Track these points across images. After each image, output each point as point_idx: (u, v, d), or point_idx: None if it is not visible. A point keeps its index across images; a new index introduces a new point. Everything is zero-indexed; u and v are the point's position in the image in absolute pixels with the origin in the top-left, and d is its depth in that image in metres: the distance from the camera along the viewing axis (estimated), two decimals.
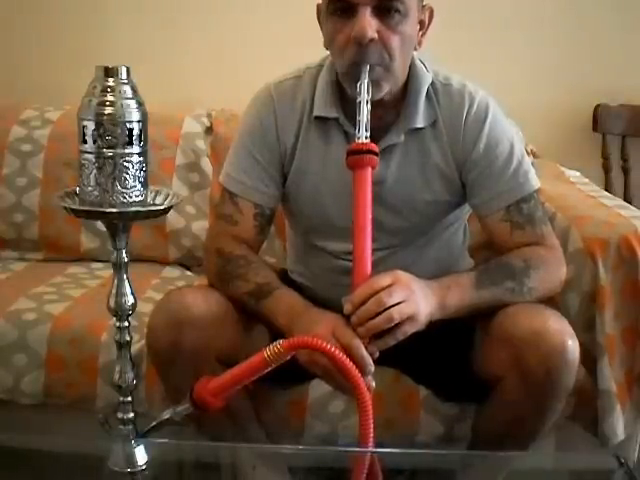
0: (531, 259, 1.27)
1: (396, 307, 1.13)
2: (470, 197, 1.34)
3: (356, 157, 1.20)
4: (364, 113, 1.21)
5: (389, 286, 1.14)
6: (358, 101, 1.21)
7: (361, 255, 1.18)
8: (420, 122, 1.31)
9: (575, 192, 1.76)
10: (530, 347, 1.20)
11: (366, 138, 1.20)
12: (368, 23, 1.19)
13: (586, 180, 1.89)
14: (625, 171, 2.17)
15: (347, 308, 1.15)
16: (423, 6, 1.28)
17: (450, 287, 1.22)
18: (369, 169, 1.20)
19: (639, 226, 1.43)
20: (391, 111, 1.31)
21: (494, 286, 1.24)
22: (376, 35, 1.20)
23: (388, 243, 1.35)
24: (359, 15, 1.20)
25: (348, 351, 1.12)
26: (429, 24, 1.30)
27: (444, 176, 1.34)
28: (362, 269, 1.18)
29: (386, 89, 1.26)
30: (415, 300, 1.15)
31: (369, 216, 1.18)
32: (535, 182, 1.33)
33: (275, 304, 1.26)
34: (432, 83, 1.33)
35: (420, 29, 1.29)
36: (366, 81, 1.21)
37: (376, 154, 1.20)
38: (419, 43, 1.29)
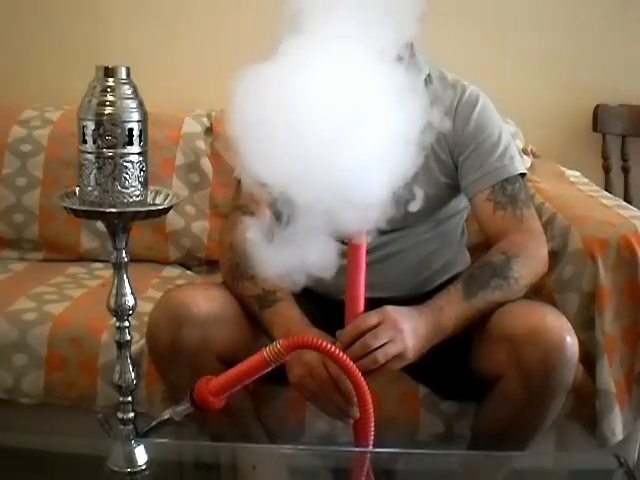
0: (509, 249, 1.29)
1: (381, 349, 1.15)
2: (460, 179, 1.39)
3: None
4: None
5: (377, 325, 1.16)
6: None
7: (354, 290, 1.18)
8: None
9: (575, 192, 1.76)
10: (528, 344, 1.20)
11: None
12: None
13: (586, 180, 1.89)
14: (625, 171, 2.17)
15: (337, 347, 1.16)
16: None
17: (443, 308, 1.23)
18: None
19: (639, 226, 1.43)
20: None
21: (482, 290, 1.25)
22: None
23: (389, 227, 1.35)
24: None
25: (337, 383, 1.16)
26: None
27: (439, 158, 1.39)
28: (355, 305, 1.18)
29: None
30: (402, 338, 1.17)
31: (364, 247, 1.18)
32: (520, 166, 1.39)
33: (274, 316, 1.26)
34: (428, 75, 1.40)
35: None
36: None
37: None
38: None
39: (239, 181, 1.40)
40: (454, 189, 1.42)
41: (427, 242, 1.43)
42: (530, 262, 1.30)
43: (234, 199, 1.43)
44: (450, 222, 1.47)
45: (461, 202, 1.46)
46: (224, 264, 1.37)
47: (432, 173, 1.39)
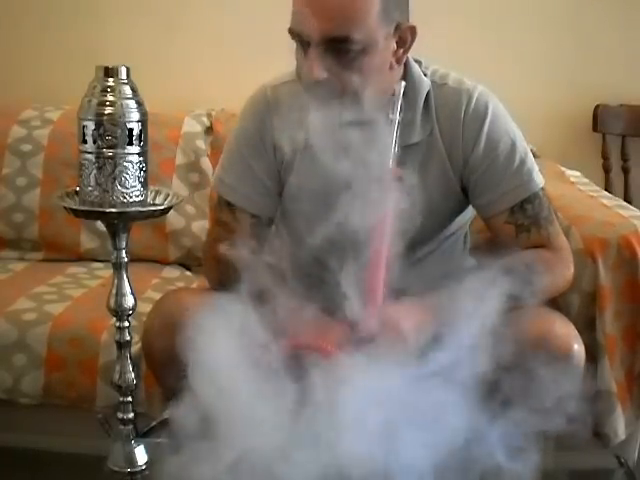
0: (535, 263, 1.25)
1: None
2: (473, 199, 1.32)
3: None
4: (394, 133, 1.18)
5: (379, 330, 1.13)
6: (389, 119, 1.18)
7: (373, 280, 1.17)
8: (416, 137, 1.28)
9: (575, 192, 1.76)
10: (535, 352, 1.19)
11: (392, 162, 1.18)
12: (317, 63, 1.15)
13: (586, 180, 1.88)
14: (625, 171, 2.17)
15: None
16: (397, 27, 1.20)
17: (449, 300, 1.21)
18: None
19: (639, 226, 1.43)
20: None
21: None
22: (325, 75, 1.15)
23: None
24: (309, 53, 1.16)
25: None
26: (412, 41, 1.23)
27: (443, 184, 1.31)
28: (373, 297, 1.17)
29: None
30: (404, 339, 1.14)
31: (386, 242, 1.17)
32: (539, 180, 1.30)
33: (280, 306, 1.25)
34: (428, 90, 1.29)
35: (400, 47, 1.22)
36: (400, 101, 1.18)
37: (401, 180, 1.19)
38: (398, 61, 1.23)
39: (219, 195, 1.37)
40: (458, 212, 1.36)
41: (427, 266, 1.36)
42: (552, 281, 1.27)
43: (216, 210, 1.38)
44: (451, 238, 1.41)
45: (465, 217, 1.39)
46: (210, 276, 1.35)
47: (433, 200, 1.29)
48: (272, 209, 1.36)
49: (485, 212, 1.32)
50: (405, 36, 1.22)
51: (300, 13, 1.16)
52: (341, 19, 1.13)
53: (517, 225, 1.28)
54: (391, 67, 1.23)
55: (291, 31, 1.18)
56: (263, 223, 1.35)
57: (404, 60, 1.25)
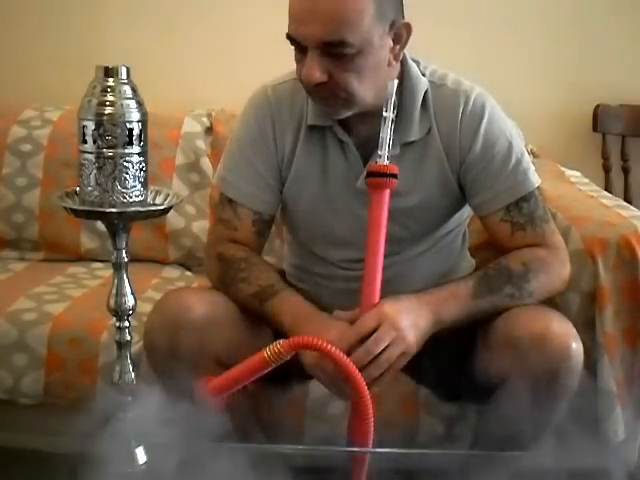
0: (531, 262, 1.26)
1: (384, 354, 1.14)
2: (469, 197, 1.33)
3: (376, 179, 1.19)
4: (387, 131, 1.20)
5: (376, 328, 1.14)
6: (383, 117, 1.20)
7: (371, 277, 1.18)
8: (414, 135, 1.30)
9: (575, 192, 1.76)
10: (533, 350, 1.19)
11: (388, 159, 1.20)
12: (315, 66, 1.17)
13: (586, 180, 1.89)
14: (625, 171, 2.17)
15: None
16: (392, 24, 1.21)
17: (446, 299, 1.21)
18: (387, 191, 1.19)
19: (639, 226, 1.43)
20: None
21: (492, 294, 1.23)
22: (325, 78, 1.18)
23: (386, 251, 1.34)
24: (308, 57, 1.18)
25: None
26: (407, 37, 1.25)
27: (440, 182, 1.33)
28: (370, 293, 1.18)
29: (347, 114, 1.25)
30: (403, 337, 1.15)
31: (383, 238, 1.18)
32: (535, 180, 1.31)
33: (280, 304, 1.25)
34: (426, 90, 1.31)
35: (396, 43, 1.24)
36: (393, 98, 1.20)
37: (396, 176, 1.20)
38: (395, 57, 1.25)
39: (221, 192, 1.38)
40: (456, 209, 1.37)
41: (425, 263, 1.38)
42: (549, 280, 1.28)
43: (217, 208, 1.39)
44: (450, 235, 1.42)
45: (462, 215, 1.41)
46: (212, 274, 1.36)
47: (431, 197, 1.33)
48: (274, 206, 1.38)
49: (481, 210, 1.33)
50: (400, 33, 1.24)
51: (296, 19, 1.18)
52: (335, 24, 1.15)
53: (513, 223, 1.30)
54: (389, 64, 1.25)
55: (289, 37, 1.20)
56: (265, 220, 1.36)
57: (401, 56, 1.27)
